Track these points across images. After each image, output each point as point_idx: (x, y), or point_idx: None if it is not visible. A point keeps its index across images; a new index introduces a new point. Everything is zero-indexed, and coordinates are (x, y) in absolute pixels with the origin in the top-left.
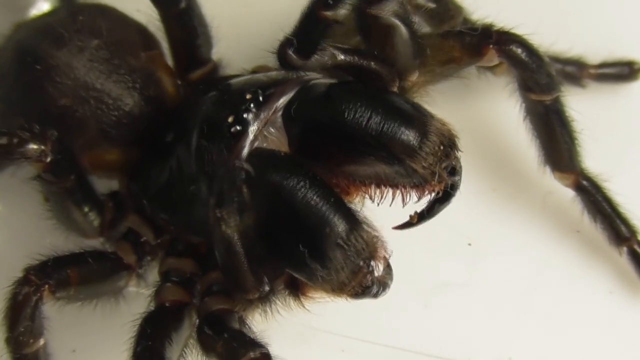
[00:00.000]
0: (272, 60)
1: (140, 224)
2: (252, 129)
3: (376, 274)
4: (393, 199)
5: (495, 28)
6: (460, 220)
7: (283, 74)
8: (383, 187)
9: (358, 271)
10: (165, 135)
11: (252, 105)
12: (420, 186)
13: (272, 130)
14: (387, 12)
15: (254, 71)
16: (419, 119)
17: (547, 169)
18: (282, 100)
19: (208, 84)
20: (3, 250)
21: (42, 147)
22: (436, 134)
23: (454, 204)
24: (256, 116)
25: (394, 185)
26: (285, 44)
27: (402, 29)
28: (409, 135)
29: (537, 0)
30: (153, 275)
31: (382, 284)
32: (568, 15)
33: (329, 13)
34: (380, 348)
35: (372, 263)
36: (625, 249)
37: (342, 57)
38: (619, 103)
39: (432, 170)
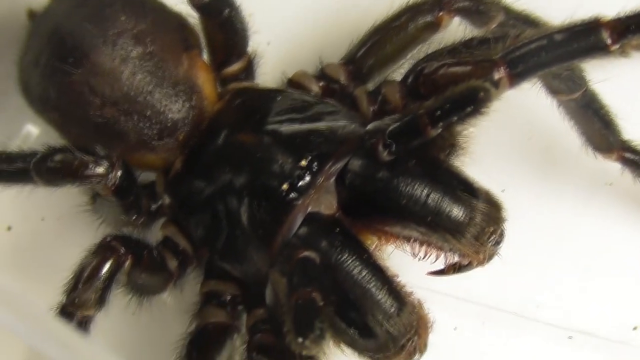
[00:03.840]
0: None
1: (177, 234)
2: (306, 198)
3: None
4: (436, 259)
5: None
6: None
7: (333, 126)
8: (427, 247)
9: (401, 349)
10: (205, 152)
11: (307, 173)
12: (464, 255)
13: (324, 193)
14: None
15: (295, 83)
16: (466, 204)
17: (590, 150)
18: (336, 168)
19: (247, 98)
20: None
21: (110, 172)
22: (482, 217)
23: None
24: (310, 184)
25: (439, 248)
26: (380, 140)
27: None
28: (457, 220)
29: None
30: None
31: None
32: None
33: (432, 131)
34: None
35: (415, 340)
36: None
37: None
38: None
39: (476, 250)
